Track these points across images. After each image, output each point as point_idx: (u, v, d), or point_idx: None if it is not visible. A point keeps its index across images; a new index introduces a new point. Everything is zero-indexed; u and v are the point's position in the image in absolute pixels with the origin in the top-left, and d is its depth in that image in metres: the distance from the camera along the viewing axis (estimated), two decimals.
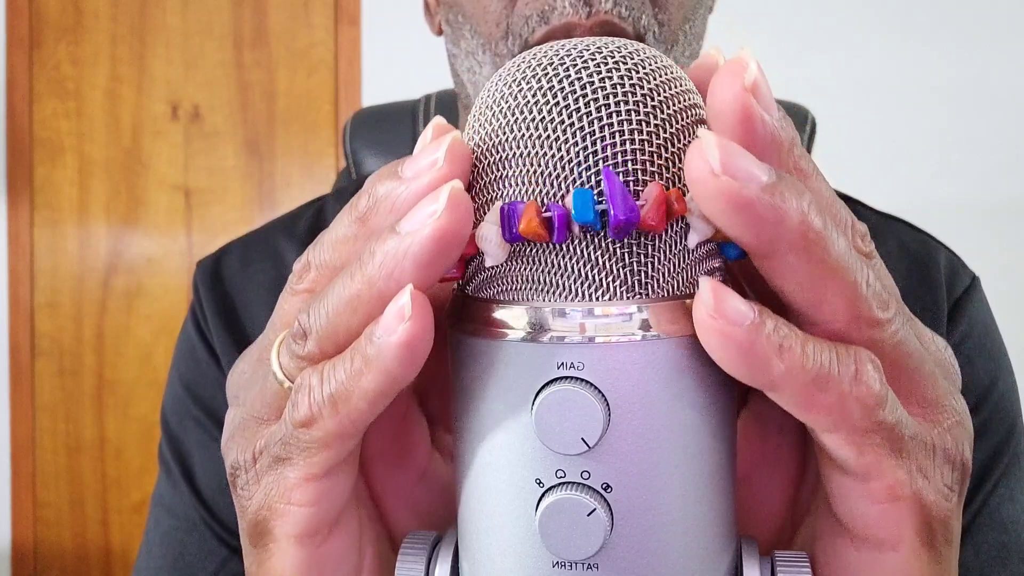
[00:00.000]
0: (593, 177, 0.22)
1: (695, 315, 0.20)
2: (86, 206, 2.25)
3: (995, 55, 2.00)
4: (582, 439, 0.21)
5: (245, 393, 0.27)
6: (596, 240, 0.22)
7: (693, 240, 0.22)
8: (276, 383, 0.25)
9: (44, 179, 2.25)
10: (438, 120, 0.24)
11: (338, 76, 2.22)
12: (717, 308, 0.20)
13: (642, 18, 0.47)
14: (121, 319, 2.24)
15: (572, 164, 0.22)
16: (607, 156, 0.22)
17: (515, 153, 0.22)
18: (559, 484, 0.22)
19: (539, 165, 0.22)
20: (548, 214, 0.21)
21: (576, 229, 0.21)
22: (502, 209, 0.22)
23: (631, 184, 0.22)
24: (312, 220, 0.65)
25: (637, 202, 0.21)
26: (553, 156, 0.22)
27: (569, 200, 0.21)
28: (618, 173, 0.22)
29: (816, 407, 0.21)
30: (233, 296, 0.62)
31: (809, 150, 0.85)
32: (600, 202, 0.21)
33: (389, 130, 0.89)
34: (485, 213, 0.23)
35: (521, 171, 0.22)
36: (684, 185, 0.22)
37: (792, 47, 2.02)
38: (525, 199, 0.22)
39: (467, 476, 0.24)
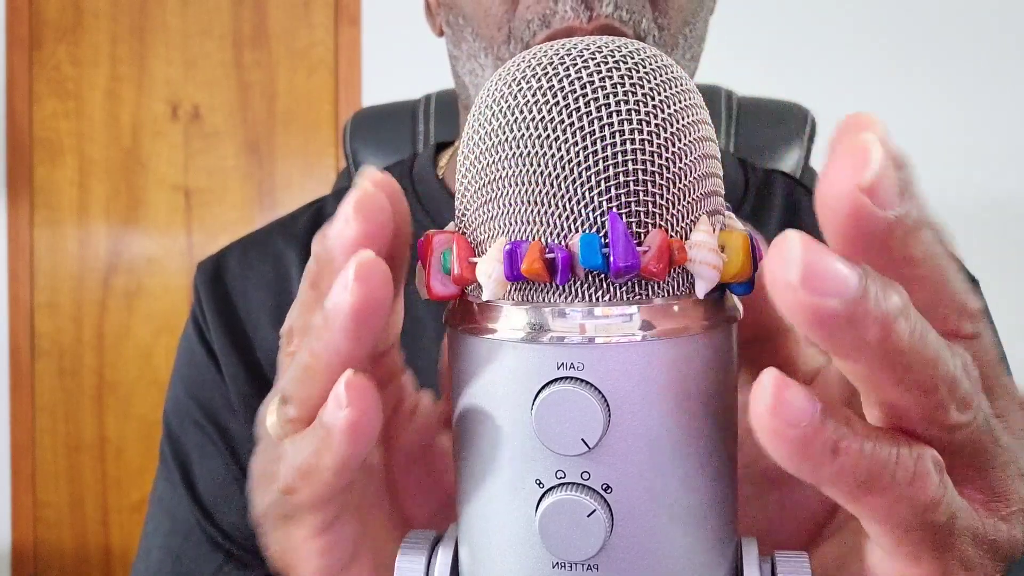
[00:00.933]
0: (594, 177, 0.22)
1: (752, 406, 0.19)
2: (86, 206, 2.25)
3: (995, 55, 2.00)
4: (582, 440, 0.21)
5: (263, 446, 0.28)
6: (597, 279, 0.22)
7: (701, 290, 0.22)
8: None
9: (44, 179, 2.25)
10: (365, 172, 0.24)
11: (338, 76, 2.22)
12: (775, 408, 0.19)
13: (643, 22, 0.47)
14: (121, 319, 2.24)
15: (572, 164, 0.22)
16: (607, 156, 0.22)
17: (515, 153, 0.22)
18: (559, 485, 0.22)
19: (539, 165, 0.22)
20: (551, 255, 0.21)
21: (580, 272, 0.22)
22: (505, 250, 0.22)
23: (631, 184, 0.22)
24: (310, 220, 0.65)
25: (639, 247, 0.21)
26: (553, 156, 0.22)
27: (574, 242, 0.21)
28: (618, 173, 0.22)
29: (863, 505, 0.20)
30: (233, 297, 0.62)
31: (809, 150, 0.85)
32: (605, 245, 0.21)
33: (389, 130, 0.89)
34: (484, 210, 0.23)
35: (521, 171, 0.22)
36: (685, 187, 0.22)
37: (792, 47, 2.02)
38: (524, 200, 0.22)
39: (467, 476, 0.24)
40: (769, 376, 0.19)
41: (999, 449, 0.22)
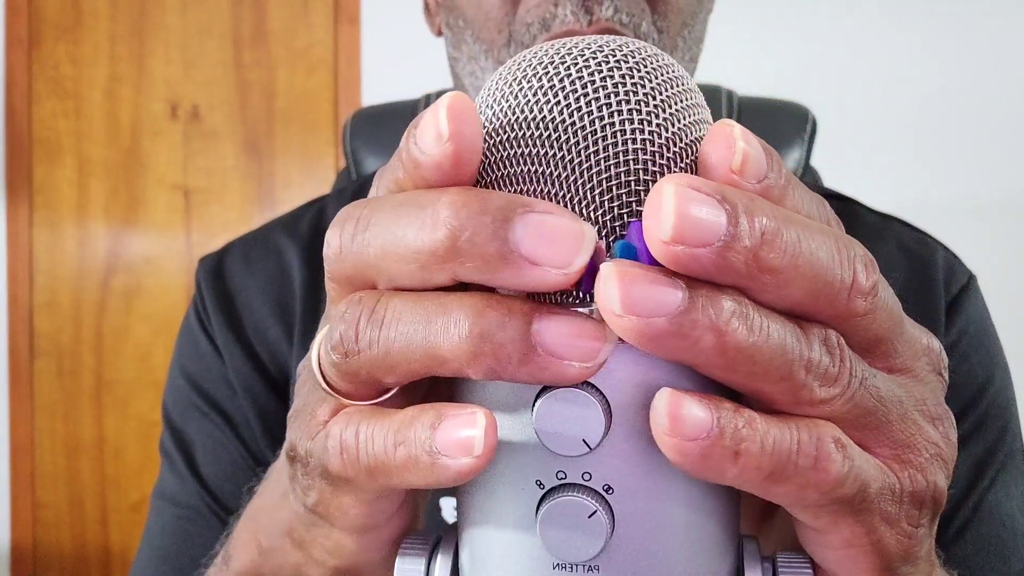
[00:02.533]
0: (595, 177, 0.22)
1: (652, 426, 0.20)
2: (85, 206, 2.25)
3: (995, 54, 2.00)
4: (583, 440, 0.21)
5: (306, 376, 0.26)
6: None
7: None
8: (323, 391, 0.24)
9: (43, 179, 2.25)
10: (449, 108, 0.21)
11: (338, 76, 2.22)
12: (672, 427, 0.20)
13: (642, 24, 0.47)
14: (120, 319, 2.24)
15: (574, 164, 0.22)
16: (608, 156, 0.22)
17: (515, 152, 0.22)
18: (560, 486, 0.22)
19: (540, 165, 0.22)
20: None
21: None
22: None
23: (633, 184, 0.22)
24: (313, 221, 0.66)
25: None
26: (554, 156, 0.22)
27: (600, 247, 0.21)
28: (619, 173, 0.22)
29: (772, 495, 0.21)
30: (234, 294, 0.63)
31: (809, 150, 0.85)
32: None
33: (389, 130, 0.89)
34: None
35: (521, 171, 0.22)
36: None
37: (792, 47, 2.02)
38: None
39: None
40: (662, 397, 0.20)
41: (886, 406, 0.23)
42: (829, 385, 0.21)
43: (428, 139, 0.21)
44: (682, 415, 0.20)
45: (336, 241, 0.23)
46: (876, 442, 0.23)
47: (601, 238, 0.22)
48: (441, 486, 0.22)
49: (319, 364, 0.24)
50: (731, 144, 0.21)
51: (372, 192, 0.24)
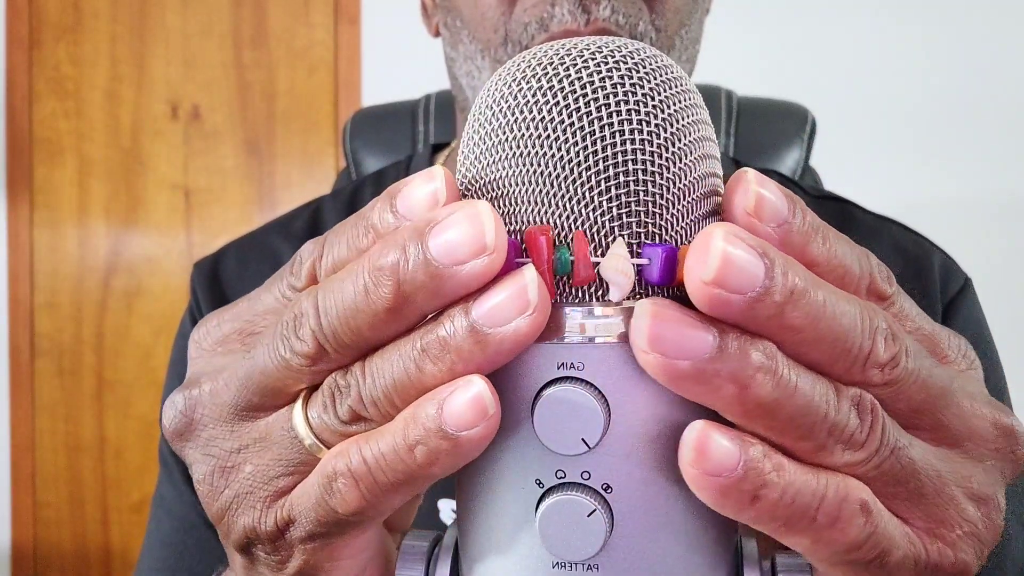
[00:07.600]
0: (594, 177, 0.22)
1: (679, 454, 0.20)
2: (86, 206, 2.25)
3: (994, 55, 2.00)
4: (582, 440, 0.21)
5: (249, 454, 0.25)
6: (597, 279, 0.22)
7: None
8: (304, 450, 0.24)
9: (44, 179, 2.25)
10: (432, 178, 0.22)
11: (338, 76, 2.22)
12: (696, 460, 0.20)
13: (639, 24, 0.48)
14: (121, 319, 2.24)
15: (573, 164, 0.22)
16: (607, 156, 0.22)
17: (515, 152, 0.22)
18: (559, 485, 0.22)
19: (539, 165, 0.22)
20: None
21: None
22: (663, 255, 0.21)
23: (631, 184, 0.22)
24: (309, 221, 0.65)
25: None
26: (553, 156, 0.22)
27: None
28: (618, 173, 0.22)
29: (787, 541, 0.22)
30: (231, 297, 0.62)
31: (808, 150, 0.85)
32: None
33: (389, 130, 0.89)
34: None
35: (521, 171, 0.22)
36: (685, 186, 0.22)
37: (792, 47, 2.02)
38: (523, 199, 0.22)
39: (468, 476, 0.24)
40: (692, 429, 0.20)
41: (919, 478, 0.22)
42: (855, 450, 0.21)
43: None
44: (708, 450, 0.20)
45: None
46: (908, 511, 0.22)
47: (599, 239, 0.22)
48: (465, 463, 0.22)
49: (314, 431, 0.23)
50: (747, 189, 0.21)
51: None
